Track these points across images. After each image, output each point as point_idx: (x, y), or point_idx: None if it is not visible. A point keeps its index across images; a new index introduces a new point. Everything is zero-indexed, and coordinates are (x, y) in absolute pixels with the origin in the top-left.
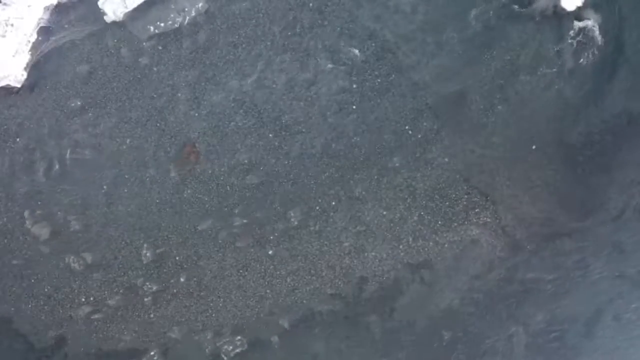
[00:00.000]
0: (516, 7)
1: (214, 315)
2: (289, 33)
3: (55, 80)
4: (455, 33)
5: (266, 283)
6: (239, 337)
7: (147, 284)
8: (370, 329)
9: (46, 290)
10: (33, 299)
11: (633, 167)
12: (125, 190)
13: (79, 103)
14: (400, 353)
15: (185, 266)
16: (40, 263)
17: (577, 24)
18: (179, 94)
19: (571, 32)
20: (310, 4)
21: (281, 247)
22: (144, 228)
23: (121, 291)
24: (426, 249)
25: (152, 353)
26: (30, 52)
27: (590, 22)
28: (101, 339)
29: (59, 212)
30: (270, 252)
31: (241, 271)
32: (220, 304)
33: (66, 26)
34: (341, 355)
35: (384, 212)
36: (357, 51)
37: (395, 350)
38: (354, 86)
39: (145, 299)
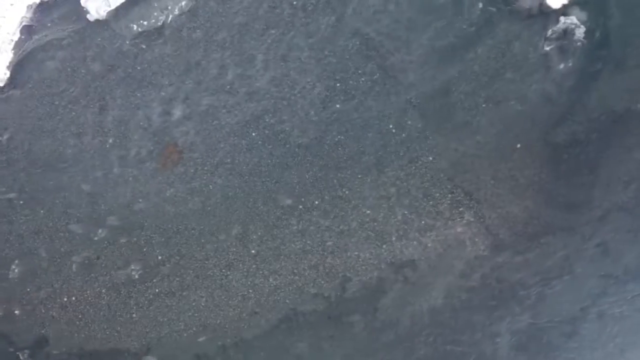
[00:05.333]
0: (501, 4)
1: (196, 315)
2: (273, 31)
3: (38, 78)
4: (440, 31)
5: (249, 283)
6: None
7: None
8: (353, 328)
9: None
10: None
11: (619, 165)
12: (108, 191)
13: (62, 102)
14: (383, 353)
15: (167, 265)
16: None
17: (563, 22)
18: (162, 93)
19: (557, 30)
20: (294, 2)
21: (264, 247)
22: (126, 228)
23: (103, 290)
24: (410, 249)
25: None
26: (13, 51)
27: (576, 20)
28: (83, 339)
29: (40, 211)
30: (253, 252)
31: (224, 270)
32: (203, 304)
33: (49, 25)
34: (324, 355)
35: (368, 212)
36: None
37: (379, 349)
38: (338, 85)
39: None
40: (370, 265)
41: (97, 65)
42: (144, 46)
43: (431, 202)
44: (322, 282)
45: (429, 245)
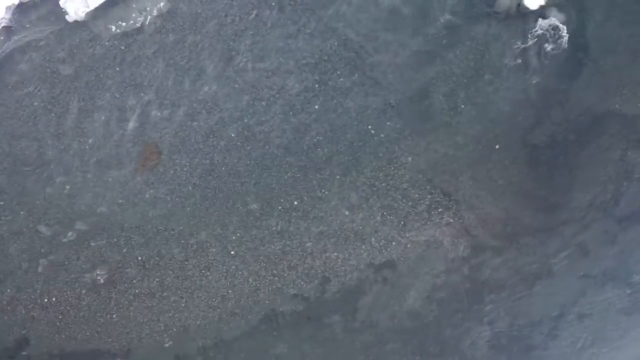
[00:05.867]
0: (480, 6)
1: (176, 315)
2: (251, 32)
3: (17, 80)
4: (418, 32)
5: (228, 283)
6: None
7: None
8: (332, 329)
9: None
10: None
11: (597, 167)
12: (88, 192)
13: (41, 103)
14: (363, 353)
15: (147, 266)
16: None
17: (541, 23)
18: (141, 94)
19: (534, 31)
20: (272, 3)
21: (243, 248)
22: (106, 228)
23: (83, 292)
24: (389, 249)
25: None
26: None
27: (554, 21)
28: (64, 340)
29: (21, 212)
30: (232, 253)
31: (203, 271)
32: (183, 305)
33: (28, 26)
34: (304, 355)
35: (347, 212)
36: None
37: (358, 350)
38: (317, 86)
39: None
40: (350, 266)
41: (75, 66)
42: (122, 47)
43: (410, 203)
44: (302, 283)
45: (408, 246)
